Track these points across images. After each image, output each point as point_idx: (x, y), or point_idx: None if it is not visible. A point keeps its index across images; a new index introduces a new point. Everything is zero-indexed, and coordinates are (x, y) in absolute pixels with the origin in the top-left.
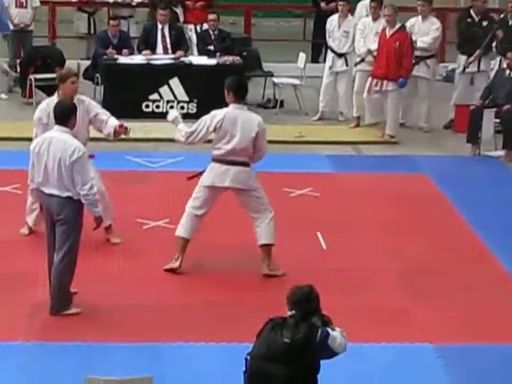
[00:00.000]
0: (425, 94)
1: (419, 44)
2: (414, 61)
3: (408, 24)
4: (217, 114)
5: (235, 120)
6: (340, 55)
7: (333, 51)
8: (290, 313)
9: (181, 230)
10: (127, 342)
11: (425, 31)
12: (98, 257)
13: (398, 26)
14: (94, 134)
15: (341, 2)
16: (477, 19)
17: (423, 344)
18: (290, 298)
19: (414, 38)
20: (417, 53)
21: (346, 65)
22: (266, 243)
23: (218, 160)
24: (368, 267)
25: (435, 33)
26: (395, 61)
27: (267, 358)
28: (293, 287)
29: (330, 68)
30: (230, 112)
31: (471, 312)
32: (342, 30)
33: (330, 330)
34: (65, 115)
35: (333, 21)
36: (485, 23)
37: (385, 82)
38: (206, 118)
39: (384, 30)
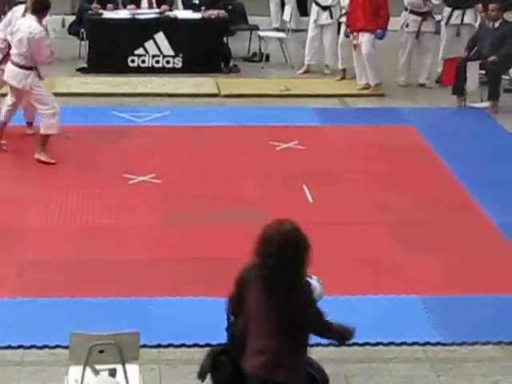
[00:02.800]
0: (429, 49)
1: (434, 1)
2: (422, 17)
3: None
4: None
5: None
6: (325, 8)
7: (317, 4)
8: None
9: None
10: (114, 297)
11: None
12: (83, 212)
13: None
14: (79, 90)
15: None
16: None
17: (410, 296)
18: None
19: None
20: (425, 9)
21: (331, 17)
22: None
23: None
24: (355, 220)
25: None
26: (371, 12)
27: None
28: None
29: (315, 21)
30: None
31: (457, 263)
32: None
33: (309, 279)
34: None
35: None
36: None
37: (360, 33)
38: None
39: None
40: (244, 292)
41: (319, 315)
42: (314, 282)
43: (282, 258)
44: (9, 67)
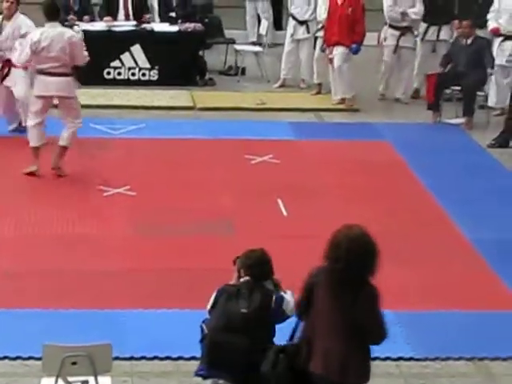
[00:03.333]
0: (407, 64)
1: (412, 16)
2: (400, 32)
3: None
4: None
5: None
6: (302, 22)
7: (294, 18)
8: (242, 279)
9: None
10: (88, 309)
11: (409, 2)
12: (58, 223)
13: None
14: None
15: None
16: None
17: (383, 310)
18: (243, 261)
19: (400, 9)
20: (404, 24)
21: (308, 32)
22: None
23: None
24: (329, 233)
25: (420, 3)
26: (347, 27)
27: (227, 329)
28: (245, 251)
29: (292, 35)
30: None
31: (431, 279)
32: None
33: (282, 293)
34: None
35: None
36: None
37: (335, 47)
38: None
39: None
40: (312, 296)
41: (380, 328)
42: (287, 296)
43: (351, 262)
44: (51, 80)
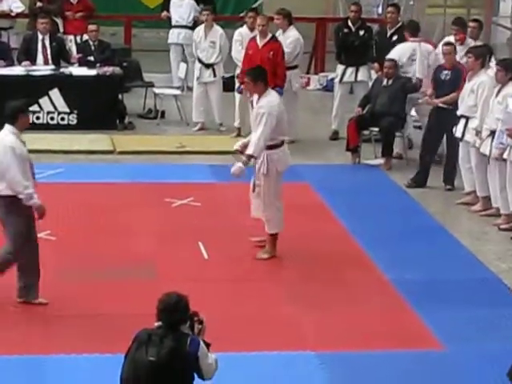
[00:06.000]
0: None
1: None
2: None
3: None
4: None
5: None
6: (208, 66)
7: (200, 61)
8: (156, 324)
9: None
10: (7, 355)
11: (284, 44)
12: None
13: (269, 36)
14: None
15: (205, 12)
16: (354, 29)
17: (305, 352)
18: (157, 306)
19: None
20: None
21: (214, 75)
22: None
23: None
24: (250, 276)
25: (288, 48)
26: (270, 71)
27: (136, 380)
28: (162, 295)
29: (198, 78)
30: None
31: (352, 319)
32: (208, 41)
33: (201, 342)
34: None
35: (199, 31)
36: (362, 33)
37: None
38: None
39: (254, 39)
40: None
41: None
42: (210, 356)
43: None
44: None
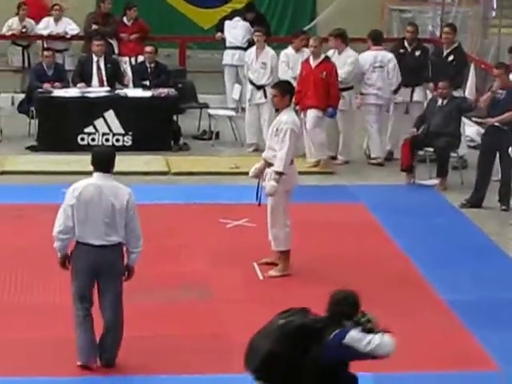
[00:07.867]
0: (341, 127)
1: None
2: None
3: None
4: None
5: None
6: (259, 87)
7: (252, 83)
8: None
9: None
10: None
11: (340, 64)
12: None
13: (322, 56)
14: (28, 168)
15: (256, 33)
16: (410, 49)
17: (365, 374)
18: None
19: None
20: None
21: (265, 97)
22: None
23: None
24: (303, 296)
25: (349, 66)
26: (323, 91)
27: (260, 333)
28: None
29: (249, 100)
30: None
31: (407, 339)
32: (259, 62)
33: (352, 330)
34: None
35: (251, 53)
36: (418, 53)
37: (309, 110)
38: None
39: (307, 60)
40: None
41: None
42: (359, 334)
43: None
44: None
